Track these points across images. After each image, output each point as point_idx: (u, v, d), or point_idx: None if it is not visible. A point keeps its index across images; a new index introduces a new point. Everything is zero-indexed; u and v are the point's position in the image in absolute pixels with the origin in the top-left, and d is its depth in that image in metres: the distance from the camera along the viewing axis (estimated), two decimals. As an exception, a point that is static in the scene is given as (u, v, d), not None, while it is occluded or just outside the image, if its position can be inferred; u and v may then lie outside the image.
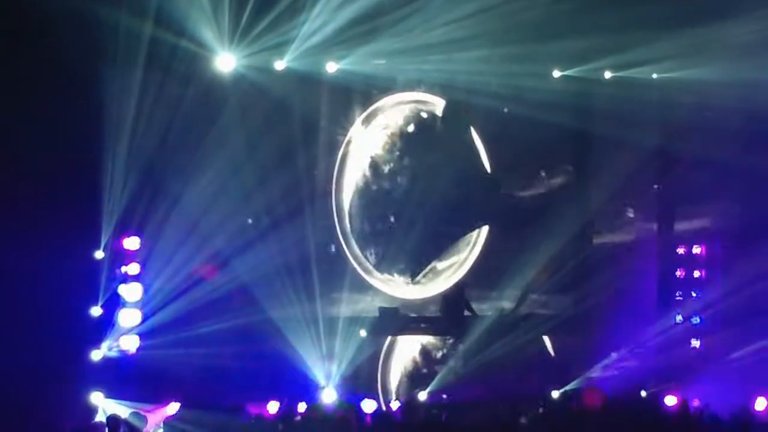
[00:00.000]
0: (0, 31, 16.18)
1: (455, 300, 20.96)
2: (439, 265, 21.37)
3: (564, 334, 21.64)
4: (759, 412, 18.04)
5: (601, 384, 20.52)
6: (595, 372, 21.08)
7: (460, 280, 21.24)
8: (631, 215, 21.93)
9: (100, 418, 16.74)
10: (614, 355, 21.01)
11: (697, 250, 21.83)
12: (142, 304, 18.03)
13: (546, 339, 21.72)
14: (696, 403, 18.25)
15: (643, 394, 19.85)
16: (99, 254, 17.70)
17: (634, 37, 19.90)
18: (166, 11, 17.29)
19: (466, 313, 21.10)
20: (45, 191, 16.69)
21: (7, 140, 16.18)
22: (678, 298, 21.85)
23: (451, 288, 21.01)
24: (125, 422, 15.03)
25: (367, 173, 21.02)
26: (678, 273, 21.89)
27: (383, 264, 21.05)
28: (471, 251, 21.41)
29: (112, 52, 17.08)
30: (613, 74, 21.11)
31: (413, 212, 20.95)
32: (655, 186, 21.87)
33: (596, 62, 20.84)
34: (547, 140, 21.31)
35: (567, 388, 20.55)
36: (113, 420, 14.92)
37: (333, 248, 20.60)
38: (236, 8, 18.16)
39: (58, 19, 16.12)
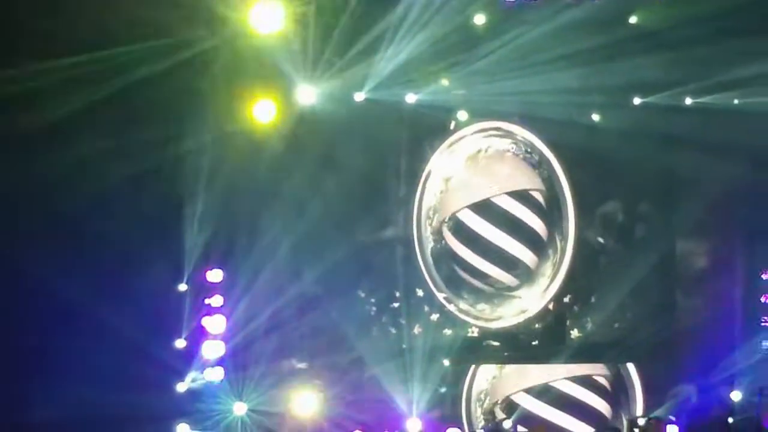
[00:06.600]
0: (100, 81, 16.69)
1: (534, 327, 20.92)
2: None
3: (649, 362, 21.43)
4: None
5: (688, 411, 20.47)
6: (680, 399, 20.90)
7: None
8: (715, 241, 21.66)
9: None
10: (689, 388, 20.75)
11: (781, 275, 21.60)
12: (225, 336, 18.32)
13: (631, 366, 21.53)
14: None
15: (730, 421, 19.69)
16: (182, 287, 18.04)
17: (715, 60, 19.81)
18: (243, 48, 17.62)
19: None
20: (130, 225, 17.08)
21: (97, 181, 16.64)
22: (764, 324, 21.61)
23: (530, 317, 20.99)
24: None
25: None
26: (763, 299, 21.65)
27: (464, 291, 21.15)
28: (552, 280, 21.33)
29: (194, 88, 17.48)
30: (694, 100, 20.87)
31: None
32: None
33: (677, 88, 20.62)
34: (628, 167, 21.23)
35: (653, 414, 20.43)
36: None
37: (415, 279, 20.72)
38: (314, 41, 18.43)
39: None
